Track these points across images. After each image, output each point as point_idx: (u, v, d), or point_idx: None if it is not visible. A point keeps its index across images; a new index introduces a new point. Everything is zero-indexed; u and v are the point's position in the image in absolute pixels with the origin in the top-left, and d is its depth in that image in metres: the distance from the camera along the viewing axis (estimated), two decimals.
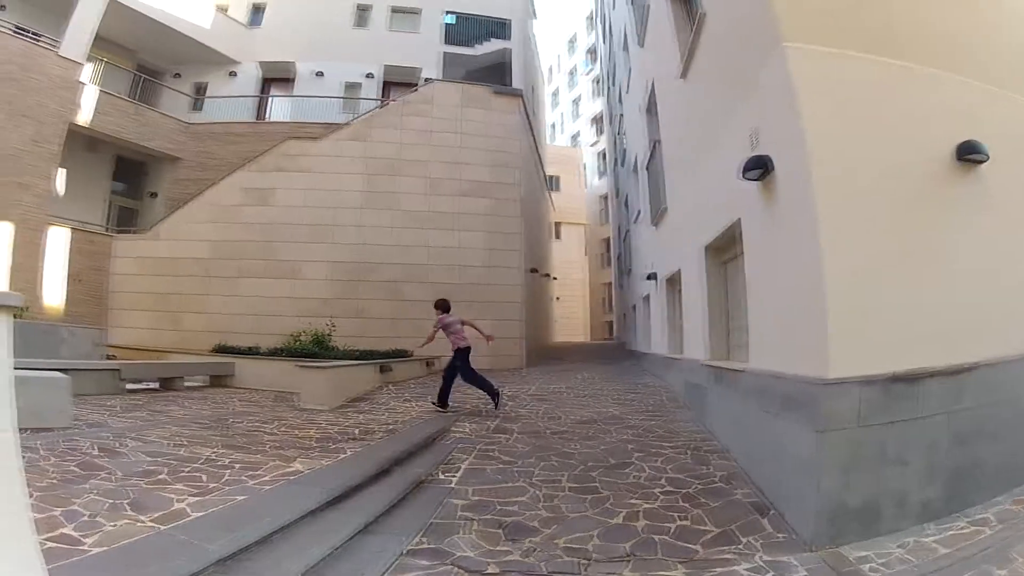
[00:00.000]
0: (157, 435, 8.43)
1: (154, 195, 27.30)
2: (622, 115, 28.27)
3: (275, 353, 18.02)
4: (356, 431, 9.81)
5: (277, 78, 29.34)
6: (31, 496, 4.90)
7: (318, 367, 13.64)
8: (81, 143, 24.20)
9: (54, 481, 5.70)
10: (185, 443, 7.98)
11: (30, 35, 22.14)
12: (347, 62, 28.65)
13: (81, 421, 9.03)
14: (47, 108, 21.80)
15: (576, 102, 62.53)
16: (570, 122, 64.12)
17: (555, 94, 65.54)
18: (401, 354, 19.76)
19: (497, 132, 24.45)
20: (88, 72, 23.68)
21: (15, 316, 9.94)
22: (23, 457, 6.10)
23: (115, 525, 4.64)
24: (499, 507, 6.39)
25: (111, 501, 5.21)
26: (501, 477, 7.44)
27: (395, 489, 6.73)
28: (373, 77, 29.01)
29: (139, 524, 4.72)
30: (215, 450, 7.66)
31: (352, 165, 23.38)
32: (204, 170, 25.74)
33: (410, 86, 26.49)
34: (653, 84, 16.33)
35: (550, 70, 63.31)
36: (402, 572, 4.87)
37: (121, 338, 21.07)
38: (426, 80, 26.07)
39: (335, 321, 19.84)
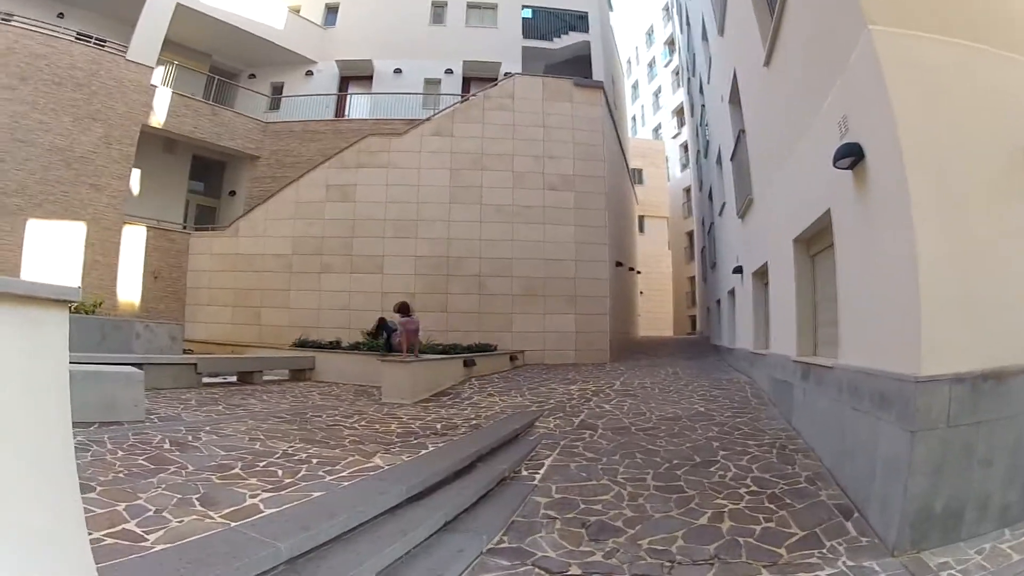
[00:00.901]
0: (233, 429, 8.40)
1: (233, 193, 27.97)
2: (704, 106, 27.72)
3: (357, 347, 17.95)
4: (439, 426, 9.70)
5: (355, 76, 29.51)
6: (94, 491, 4.88)
7: (400, 361, 13.59)
8: (157, 144, 25.01)
9: (120, 475, 5.57)
10: (261, 437, 7.90)
11: (94, 41, 22.91)
12: (425, 59, 28.69)
13: (154, 415, 9.00)
14: (116, 111, 22.59)
15: (656, 94, 61.47)
16: (651, 114, 63.08)
17: (635, 86, 64.65)
18: (486, 349, 19.61)
19: (581, 125, 24.04)
20: (160, 75, 24.33)
21: (89, 311, 10.28)
22: (88, 451, 6.18)
23: (182, 521, 4.46)
24: (582, 505, 6.23)
25: (179, 496, 5.06)
26: (585, 475, 7.27)
27: (477, 486, 6.57)
28: (453, 73, 28.97)
29: (207, 520, 4.54)
30: (292, 444, 7.56)
31: (436, 160, 23.24)
32: (283, 168, 26.26)
33: (490, 81, 26.22)
34: (735, 73, 15.92)
35: (628, 63, 62.44)
36: (482, 572, 4.73)
37: (200, 333, 21.59)
38: (506, 74, 25.75)
39: (419, 315, 19.49)
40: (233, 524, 4.48)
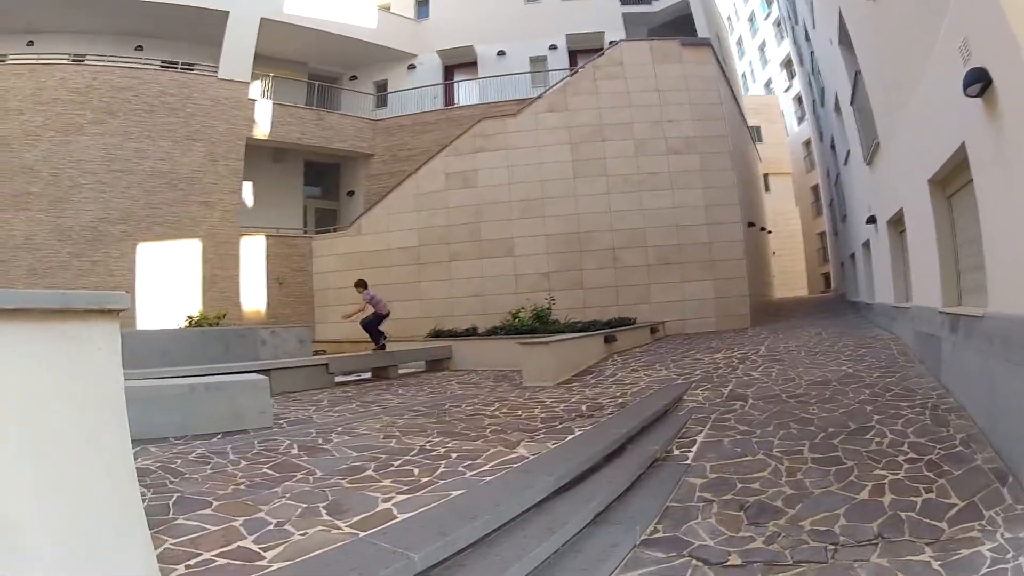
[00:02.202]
0: (367, 427, 8.20)
1: (351, 193, 28.44)
2: (812, 53, 26.80)
3: (493, 332, 17.87)
4: (584, 407, 9.28)
5: (459, 64, 29.63)
6: (209, 506, 4.71)
7: (541, 342, 13.22)
8: (266, 155, 25.90)
9: (240, 487, 5.35)
10: (397, 433, 7.66)
11: (180, 67, 23.96)
12: (527, 38, 28.57)
13: (283, 420, 8.93)
14: (217, 129, 23.41)
15: (762, 48, 59.65)
16: (760, 69, 61.32)
17: (739, 43, 62.78)
18: (625, 322, 19.13)
19: (695, 85, 23.31)
20: (257, 89, 25.14)
21: (213, 324, 10.42)
22: (208, 464, 6.05)
23: (305, 534, 4.18)
24: (739, 485, 5.84)
25: (304, 505, 4.78)
26: (740, 450, 6.88)
27: (629, 470, 6.16)
28: (557, 48, 28.75)
29: (334, 531, 4.23)
30: (430, 439, 7.29)
31: (554, 136, 22.91)
32: (398, 162, 26.43)
33: (595, 51, 25.76)
34: (841, 12, 15.26)
35: (729, 20, 60.92)
36: (635, 568, 4.38)
37: (331, 333, 21.95)
38: (611, 43, 25.28)
39: (554, 294, 19.28)
40: (362, 534, 4.15)
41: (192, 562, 3.69)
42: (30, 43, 24.81)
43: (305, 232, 26.66)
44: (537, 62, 28.77)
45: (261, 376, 8.97)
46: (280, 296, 23.50)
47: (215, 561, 3.73)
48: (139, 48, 25.58)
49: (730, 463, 6.47)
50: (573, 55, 28.81)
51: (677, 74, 23.32)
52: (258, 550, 3.90)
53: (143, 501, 4.84)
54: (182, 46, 25.42)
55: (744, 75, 61.93)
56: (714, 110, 23.35)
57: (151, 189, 22.23)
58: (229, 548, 3.93)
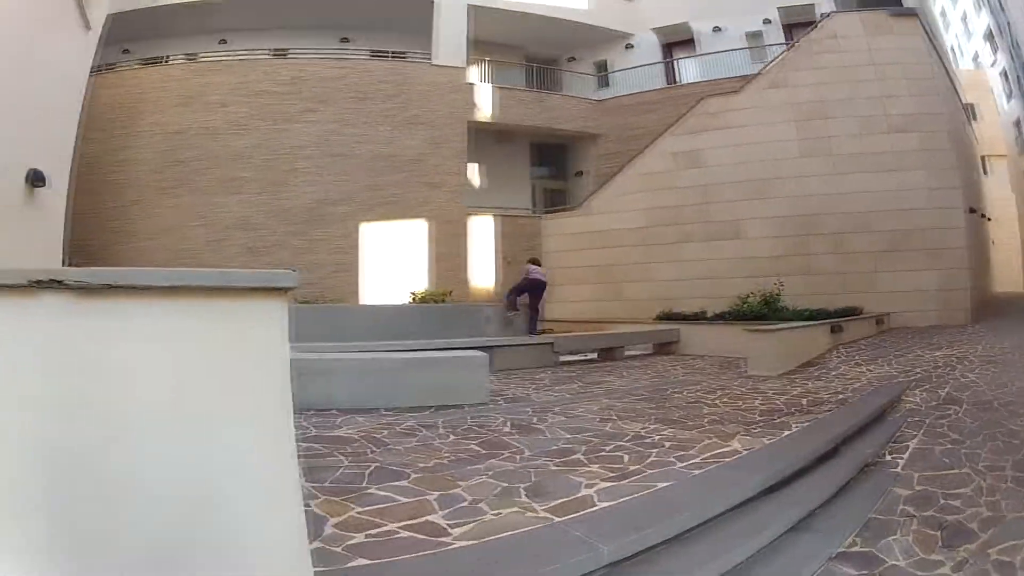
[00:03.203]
0: (584, 408, 8.04)
1: (579, 174, 28.66)
2: (1009, 24, 24.64)
3: (721, 317, 17.49)
4: (804, 401, 8.74)
5: (676, 42, 29.12)
6: (407, 478, 4.68)
7: (766, 330, 12.77)
8: (490, 137, 26.31)
9: (443, 461, 5.28)
10: (614, 417, 7.43)
11: (390, 56, 24.88)
12: (740, 14, 27.52)
13: (500, 397, 8.89)
14: (438, 113, 24.06)
15: (964, 20, 55.14)
16: (965, 42, 56.70)
17: (943, 14, 58.29)
18: (850, 312, 18.26)
19: (907, 58, 21.83)
20: (475, 74, 25.74)
21: (439, 300, 10.68)
22: (415, 436, 6.10)
23: (498, 514, 4.01)
24: (941, 501, 5.21)
25: (505, 485, 4.64)
26: (948, 461, 6.21)
27: (839, 474, 5.65)
28: (771, 22, 27.60)
29: (529, 514, 4.05)
30: (646, 425, 6.99)
31: (777, 114, 22.09)
32: (625, 142, 26.20)
33: (809, 24, 24.70)
34: None
35: None
36: None
37: (559, 312, 22.10)
38: (823, 15, 24.22)
39: (782, 279, 18.64)
40: (556, 519, 3.94)
41: (373, 531, 3.66)
42: (222, 41, 26.58)
43: (534, 212, 27.10)
44: (753, 37, 27.76)
45: (480, 353, 9.00)
46: (508, 274, 23.67)
47: (397, 533, 3.65)
48: (345, 40, 26.87)
49: (937, 475, 5.87)
50: (788, 29, 27.55)
51: (889, 46, 21.97)
52: (445, 526, 3.78)
53: (338, 470, 4.93)
54: (389, 36, 26.25)
55: (951, 48, 57.72)
56: (928, 85, 21.85)
57: (373, 171, 23.27)
58: (416, 521, 3.84)
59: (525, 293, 16.52)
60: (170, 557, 2.18)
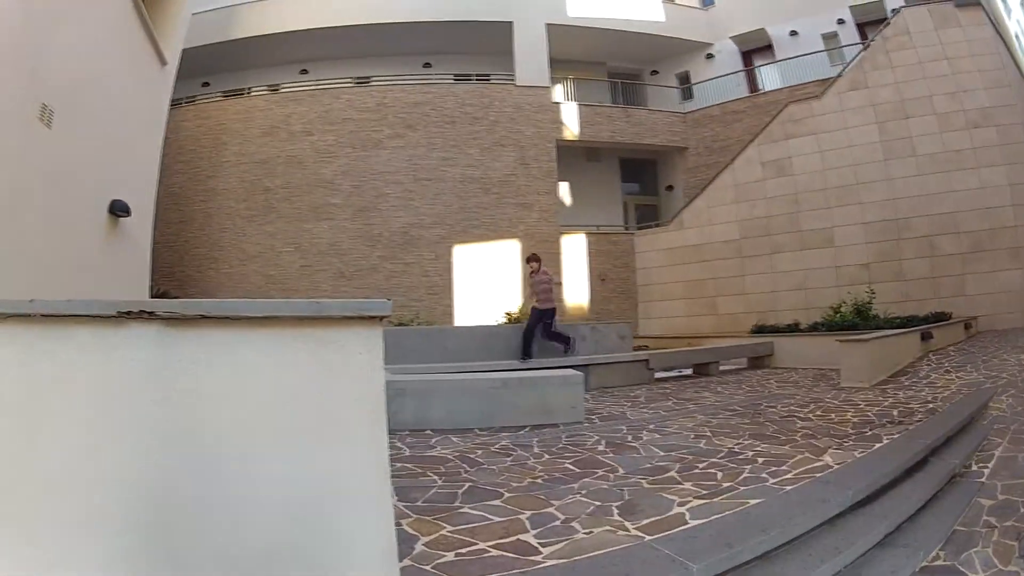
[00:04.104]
0: (679, 425, 7.98)
1: (670, 188, 28.47)
2: None
3: (814, 328, 17.31)
4: (895, 412, 8.55)
5: (755, 49, 28.71)
6: (500, 497, 4.72)
7: (858, 340, 12.44)
8: (579, 155, 26.54)
9: (537, 481, 5.30)
10: (708, 434, 7.38)
11: (474, 79, 25.29)
12: (813, 15, 27.05)
13: (595, 415, 8.87)
14: (524, 133, 24.25)
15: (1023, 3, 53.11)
16: None
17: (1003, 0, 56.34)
18: (940, 318, 17.74)
19: (979, 50, 21.26)
20: (559, 92, 25.81)
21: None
22: (510, 456, 6.17)
23: (589, 532, 4.01)
24: (1022, 510, 5.12)
25: (597, 504, 4.63)
26: None
27: (926, 487, 5.51)
28: (845, 23, 27.07)
29: (620, 533, 4.04)
30: (740, 441, 6.94)
31: (859, 116, 21.74)
32: (713, 154, 26.18)
33: (882, 21, 24.15)
34: None
35: None
36: None
37: (654, 328, 22.37)
38: (893, 11, 23.58)
39: (873, 286, 18.47)
40: (647, 538, 3.92)
41: (464, 550, 3.67)
42: (303, 71, 27.26)
43: (626, 228, 27.10)
44: (829, 39, 27.21)
45: (575, 372, 9.01)
46: (603, 292, 24.10)
47: (488, 552, 3.66)
48: (427, 65, 27.36)
49: (1019, 483, 5.76)
50: (861, 28, 26.94)
51: (959, 39, 21.46)
52: (536, 544, 3.78)
53: (431, 489, 4.98)
54: (471, 59, 26.66)
55: (1015, 35, 55.59)
56: (999, 76, 21.16)
57: (463, 194, 23.64)
58: (506, 540, 3.86)
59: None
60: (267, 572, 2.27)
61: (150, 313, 2.24)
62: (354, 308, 2.51)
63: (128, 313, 2.23)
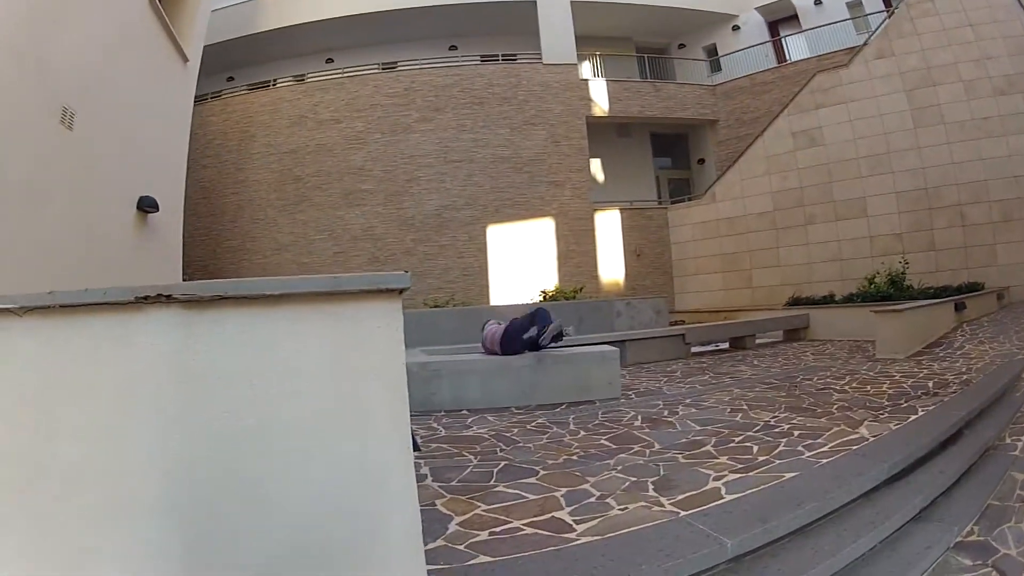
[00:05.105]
0: (715, 399, 7.95)
1: (702, 161, 28.51)
2: None
3: (849, 299, 17.35)
4: (930, 384, 8.43)
5: (781, 19, 28.53)
6: (535, 475, 4.70)
7: (892, 311, 12.36)
8: (610, 131, 26.56)
9: (573, 457, 5.27)
10: (744, 407, 7.34)
11: (500, 59, 25.11)
12: None
13: (632, 391, 8.85)
14: (553, 111, 24.22)
15: None
16: None
17: None
18: (974, 288, 17.71)
19: (1000, 16, 20.82)
20: (587, 69, 25.87)
21: (570, 297, 10.95)
22: (546, 434, 6.12)
23: (624, 508, 3.97)
24: None
25: (633, 479, 4.59)
26: None
27: (961, 460, 5.41)
28: None
29: (655, 508, 3.99)
30: (776, 414, 6.88)
31: (888, 84, 21.45)
32: (743, 126, 26.16)
33: None
34: None
35: None
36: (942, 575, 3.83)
37: (690, 303, 22.58)
38: None
39: (907, 256, 18.45)
40: (682, 513, 3.87)
41: (498, 529, 3.65)
42: (329, 60, 27.45)
43: (660, 203, 27.19)
44: (854, 8, 26.94)
45: (611, 348, 8.96)
46: (638, 267, 24.21)
47: (522, 530, 3.64)
48: (453, 48, 27.43)
49: None
50: None
51: (982, 5, 21.04)
52: (571, 522, 3.75)
53: (466, 469, 4.97)
54: (497, 40, 26.69)
55: None
56: (1021, 42, 20.69)
57: (495, 174, 23.74)
58: (541, 518, 3.83)
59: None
60: (289, 559, 2.28)
61: (168, 297, 2.23)
62: (371, 282, 2.49)
63: (146, 298, 2.22)
